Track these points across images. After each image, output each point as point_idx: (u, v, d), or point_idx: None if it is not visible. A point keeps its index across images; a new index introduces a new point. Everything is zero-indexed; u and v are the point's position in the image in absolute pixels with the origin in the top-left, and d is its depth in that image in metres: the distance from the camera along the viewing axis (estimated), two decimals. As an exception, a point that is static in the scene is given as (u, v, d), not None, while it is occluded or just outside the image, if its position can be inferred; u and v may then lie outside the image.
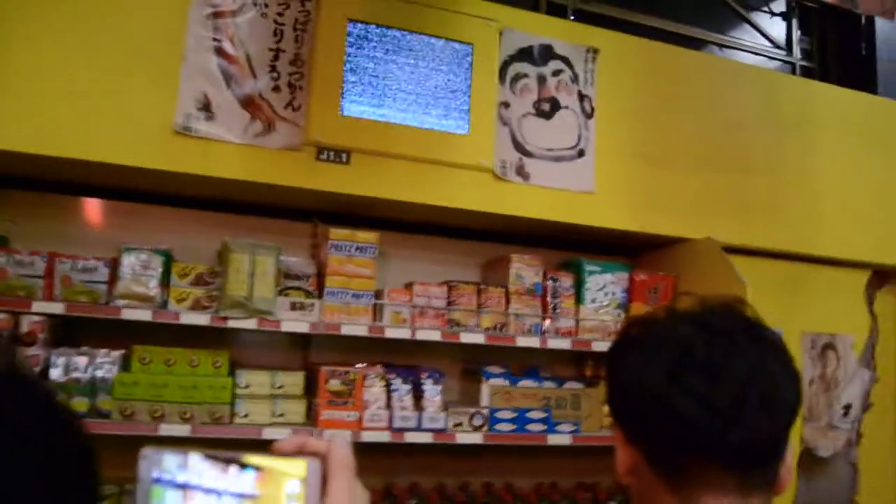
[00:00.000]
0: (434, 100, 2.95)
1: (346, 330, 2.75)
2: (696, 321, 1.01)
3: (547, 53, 3.22)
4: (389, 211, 3.07)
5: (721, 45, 4.74)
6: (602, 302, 3.20)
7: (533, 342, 3.00)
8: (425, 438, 2.82)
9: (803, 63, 4.96)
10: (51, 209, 2.94)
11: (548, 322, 3.09)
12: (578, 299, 3.18)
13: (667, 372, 0.97)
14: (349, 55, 2.86)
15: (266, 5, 2.84)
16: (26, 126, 2.48)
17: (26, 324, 2.55)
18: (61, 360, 2.57)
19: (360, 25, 2.89)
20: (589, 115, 3.24)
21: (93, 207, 3.02)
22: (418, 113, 2.92)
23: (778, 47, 4.95)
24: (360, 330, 2.77)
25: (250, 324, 2.66)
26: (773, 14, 5.04)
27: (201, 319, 2.63)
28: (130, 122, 2.58)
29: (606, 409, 3.16)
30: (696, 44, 4.63)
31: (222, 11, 2.79)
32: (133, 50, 2.62)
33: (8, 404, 0.63)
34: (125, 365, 2.67)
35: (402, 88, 2.92)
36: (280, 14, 2.86)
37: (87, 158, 2.54)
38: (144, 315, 2.59)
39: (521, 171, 3.07)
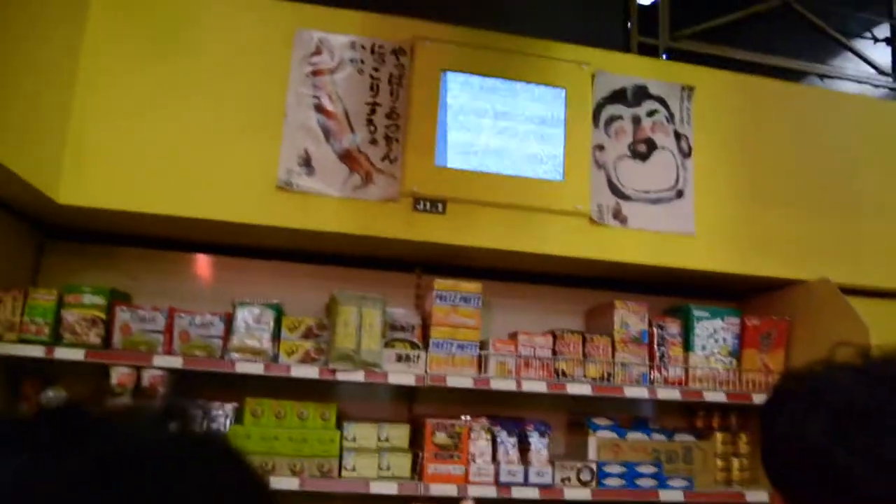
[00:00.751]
0: (528, 146, 3.04)
1: (451, 382, 2.82)
2: (856, 370, 0.96)
3: (641, 94, 3.27)
4: (489, 260, 3.15)
5: (822, 76, 4.67)
6: (712, 349, 3.16)
7: (641, 392, 2.99)
8: (532, 494, 2.83)
9: (912, 89, 4.83)
10: (168, 265, 3.18)
11: (655, 371, 3.07)
12: (687, 347, 3.15)
13: (828, 426, 0.92)
14: (443, 106, 2.99)
15: (363, 61, 3.02)
16: (137, 186, 2.71)
17: (147, 377, 2.73)
18: (179, 414, 2.72)
19: (453, 75, 3.03)
20: (686, 155, 3.25)
21: (207, 263, 3.24)
22: (512, 160, 3.01)
23: (883, 74, 4.84)
24: (466, 382, 2.83)
25: (357, 376, 2.77)
26: (876, 40, 4.94)
27: (310, 372, 2.76)
28: (235, 179, 2.79)
29: (721, 463, 3.10)
30: (796, 76, 4.59)
31: (321, 70, 2.99)
32: (237, 109, 2.84)
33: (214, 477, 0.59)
34: (238, 417, 2.82)
35: (496, 136, 3.03)
36: (376, 69, 3.04)
37: (194, 216, 2.75)
38: (257, 368, 2.74)
39: (618, 215, 3.11)
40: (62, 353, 2.69)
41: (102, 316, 2.77)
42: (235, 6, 2.95)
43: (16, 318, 2.74)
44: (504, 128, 3.04)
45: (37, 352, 2.69)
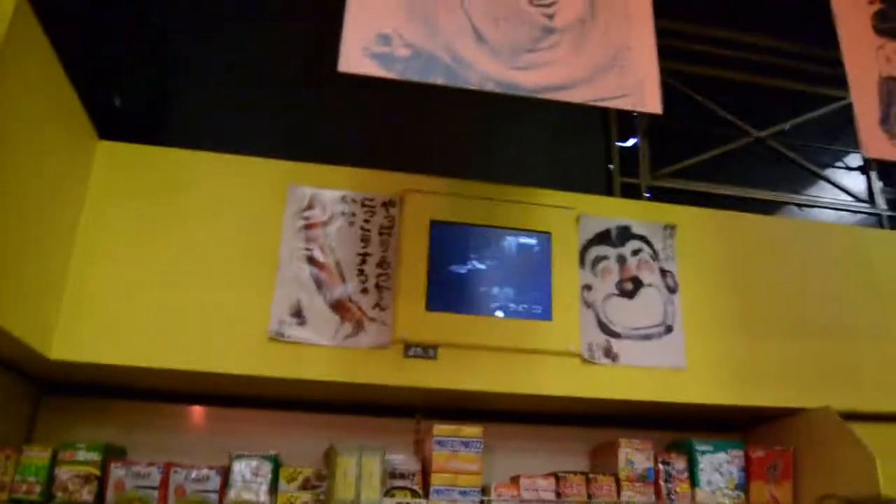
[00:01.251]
0: (516, 290, 3.20)
1: (453, 530, 2.79)
2: None
3: (625, 234, 3.47)
4: (486, 402, 3.21)
5: (800, 205, 4.92)
6: (718, 484, 3.15)
7: (645, 532, 2.95)
8: None
9: (890, 213, 5.06)
10: (164, 418, 3.22)
11: (662, 509, 3.05)
12: (693, 482, 3.14)
13: None
14: (432, 254, 3.17)
15: (353, 214, 3.23)
16: (130, 340, 2.83)
17: (140, 538, 2.71)
18: (173, 576, 2.69)
19: (441, 226, 3.23)
20: (673, 290, 3.40)
21: (203, 415, 3.29)
22: (502, 303, 3.16)
23: (860, 200, 5.09)
24: (468, 529, 2.81)
25: (357, 528, 2.75)
26: (849, 168, 5.24)
27: (309, 526, 2.74)
28: (227, 331, 2.91)
29: None
30: (775, 206, 4.83)
31: (314, 223, 3.19)
32: (231, 263, 3.01)
33: None
34: (233, 577, 2.76)
35: (485, 282, 3.19)
36: (367, 220, 3.24)
37: (188, 369, 2.85)
38: (251, 524, 2.72)
39: (608, 353, 3.21)
40: (53, 514, 2.69)
41: (97, 472, 2.78)
42: (230, 166, 3.18)
43: (7, 478, 2.75)
44: (492, 272, 3.20)
45: (29, 513, 2.69)
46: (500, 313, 3.14)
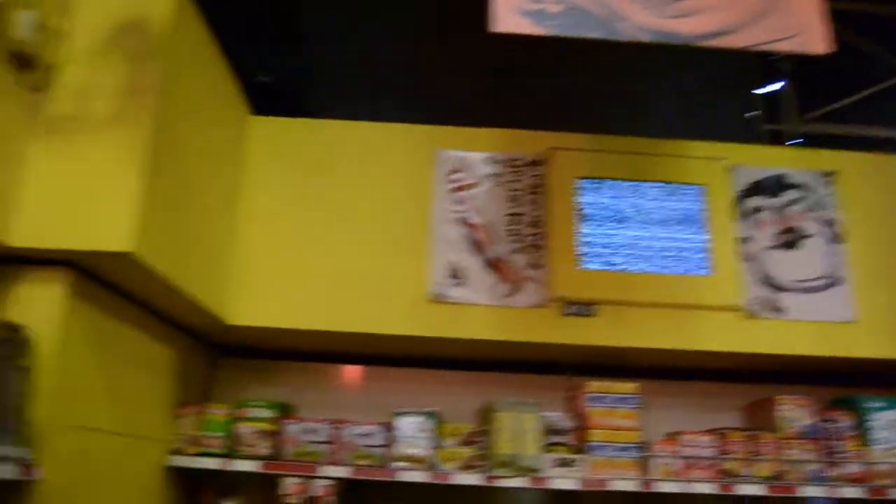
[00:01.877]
0: (672, 245, 3.17)
1: (614, 485, 2.85)
2: None
3: (780, 184, 3.35)
4: (642, 359, 3.23)
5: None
6: (894, 441, 3.03)
7: (819, 492, 2.90)
8: None
9: None
10: (330, 378, 3.49)
11: (831, 468, 2.98)
12: (864, 440, 3.04)
13: None
14: (584, 211, 3.19)
15: (500, 175, 3.30)
16: (297, 305, 3.04)
17: (317, 488, 2.94)
18: (348, 523, 2.90)
19: (590, 183, 3.24)
20: (837, 240, 3.26)
21: (366, 375, 3.51)
22: (657, 259, 3.14)
23: None
24: (629, 485, 2.86)
25: (519, 482, 2.86)
26: None
27: (472, 479, 2.88)
28: (388, 294, 3.07)
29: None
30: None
31: (462, 186, 3.28)
32: (386, 229, 3.17)
33: None
34: (403, 526, 2.96)
35: (639, 237, 3.18)
36: (515, 181, 3.30)
37: (351, 331, 3.04)
38: (420, 476, 2.89)
39: (772, 307, 3.14)
40: (239, 465, 2.96)
41: (272, 428, 3.04)
42: (378, 133, 3.33)
43: (196, 433, 3.05)
44: (645, 227, 3.19)
45: (215, 464, 2.97)
46: (656, 269, 3.13)
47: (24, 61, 2.16)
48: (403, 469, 2.92)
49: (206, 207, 2.84)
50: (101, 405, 2.42)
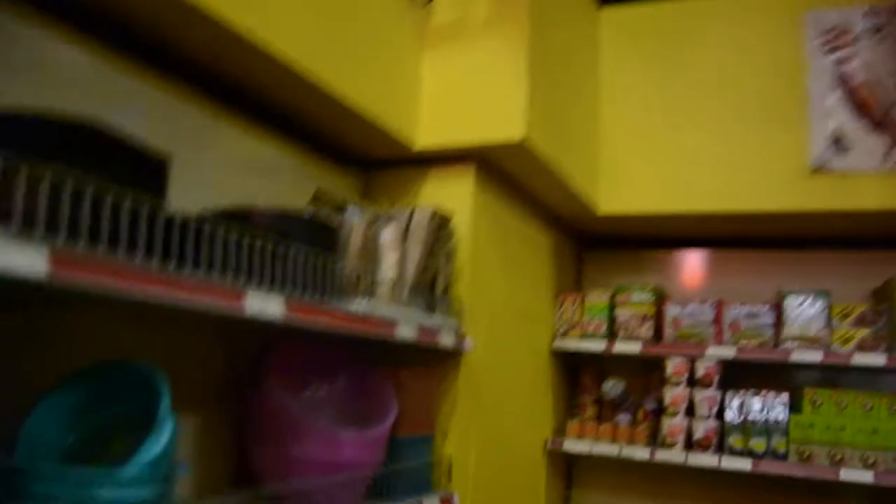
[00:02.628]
0: None
1: None
2: None
3: None
4: None
5: None
6: None
7: None
8: None
9: None
10: (701, 265, 3.52)
11: None
12: None
13: None
14: None
15: (882, 29, 2.92)
16: (665, 188, 3.06)
17: (701, 368, 3.01)
18: (736, 402, 2.94)
19: None
20: None
21: (741, 258, 3.45)
22: None
23: None
24: None
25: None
26: None
27: (877, 360, 2.72)
28: (762, 168, 2.94)
29: None
30: None
31: (839, 45, 2.97)
32: (754, 100, 3.01)
33: None
34: (795, 406, 2.90)
35: None
36: (899, 32, 2.90)
37: (721, 210, 2.98)
38: (814, 357, 2.80)
39: None
40: (620, 347, 3.15)
41: (651, 312, 3.16)
42: (736, 5, 3.14)
43: (575, 318, 3.29)
44: None
45: (597, 346, 3.19)
46: None
47: (416, -17, 2.46)
48: (794, 349, 2.85)
49: (575, 96, 2.96)
50: (501, 288, 2.73)
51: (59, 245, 0.99)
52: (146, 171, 1.27)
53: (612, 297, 3.25)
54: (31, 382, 1.40)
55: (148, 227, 1.16)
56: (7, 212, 0.96)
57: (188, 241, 1.25)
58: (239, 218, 1.48)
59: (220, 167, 1.95)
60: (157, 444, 1.23)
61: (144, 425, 1.26)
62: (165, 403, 1.29)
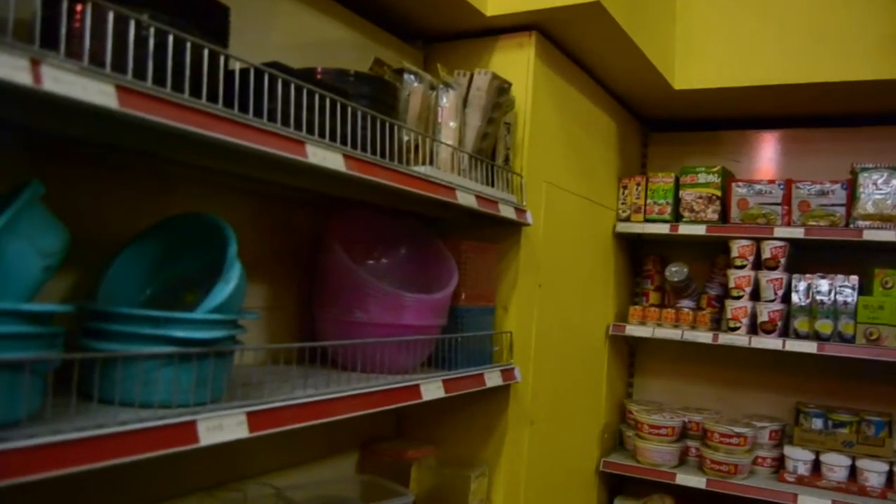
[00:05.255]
0: None
1: None
2: None
3: None
4: None
5: None
6: None
7: None
8: None
9: None
10: (772, 144, 3.40)
11: None
12: None
13: None
14: None
15: None
16: (741, 61, 2.90)
17: (768, 249, 2.96)
18: (802, 285, 2.89)
19: None
20: None
21: (814, 137, 3.31)
22: None
23: None
24: None
25: None
26: None
27: (956, 237, 2.62)
28: (841, 38, 2.76)
29: None
30: None
31: None
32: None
33: None
34: (864, 288, 2.84)
35: None
36: None
37: (810, 81, 2.80)
38: (888, 236, 2.71)
39: None
40: (685, 229, 3.10)
41: (718, 193, 3.09)
42: None
43: (640, 201, 3.24)
44: None
45: (662, 229, 3.16)
46: None
47: None
48: (867, 228, 2.76)
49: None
50: (562, 165, 2.70)
51: (127, 81, 1.03)
52: (209, 17, 1.29)
53: (678, 178, 3.19)
54: (109, 238, 1.48)
55: (211, 72, 1.18)
56: (77, 50, 0.99)
57: (250, 89, 1.27)
58: (302, 73, 1.49)
59: (278, 46, 1.95)
60: (226, 288, 1.29)
61: (214, 278, 1.32)
62: (233, 249, 1.35)
